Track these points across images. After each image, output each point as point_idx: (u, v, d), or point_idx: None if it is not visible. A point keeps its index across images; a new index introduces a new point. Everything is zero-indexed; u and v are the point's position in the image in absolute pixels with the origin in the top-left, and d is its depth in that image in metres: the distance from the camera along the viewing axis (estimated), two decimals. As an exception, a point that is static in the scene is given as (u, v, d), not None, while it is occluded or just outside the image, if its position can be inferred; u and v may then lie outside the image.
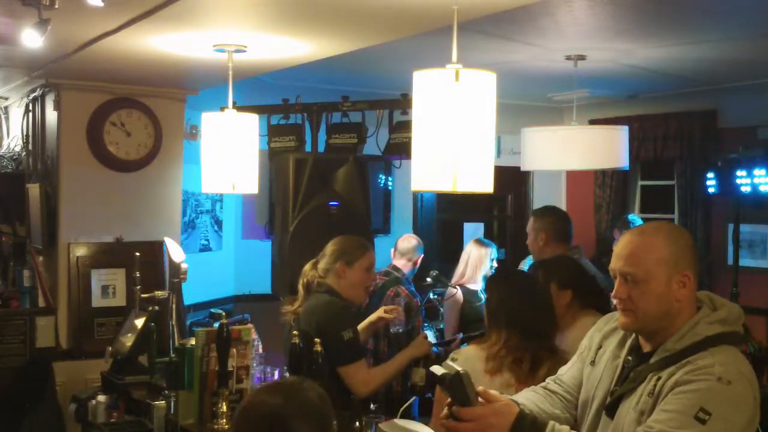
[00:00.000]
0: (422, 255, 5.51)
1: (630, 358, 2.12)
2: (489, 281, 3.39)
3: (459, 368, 2.02)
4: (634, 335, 2.14)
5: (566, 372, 2.35)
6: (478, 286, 5.45)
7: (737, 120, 6.52)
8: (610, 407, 2.08)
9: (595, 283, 3.45)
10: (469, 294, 5.39)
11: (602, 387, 2.15)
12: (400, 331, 4.11)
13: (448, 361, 2.11)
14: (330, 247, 3.62)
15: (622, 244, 2.08)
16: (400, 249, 5.45)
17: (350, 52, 3.67)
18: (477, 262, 5.50)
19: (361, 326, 3.67)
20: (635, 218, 6.36)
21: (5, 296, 4.89)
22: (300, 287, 3.64)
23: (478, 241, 5.72)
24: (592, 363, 2.22)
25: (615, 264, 2.07)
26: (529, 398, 2.30)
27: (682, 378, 1.91)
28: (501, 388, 2.76)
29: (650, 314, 2.02)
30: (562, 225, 4.37)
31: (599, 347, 2.22)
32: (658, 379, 1.97)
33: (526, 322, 2.86)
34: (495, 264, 5.62)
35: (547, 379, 2.38)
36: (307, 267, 3.66)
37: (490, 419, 2.00)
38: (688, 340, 1.99)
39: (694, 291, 2.05)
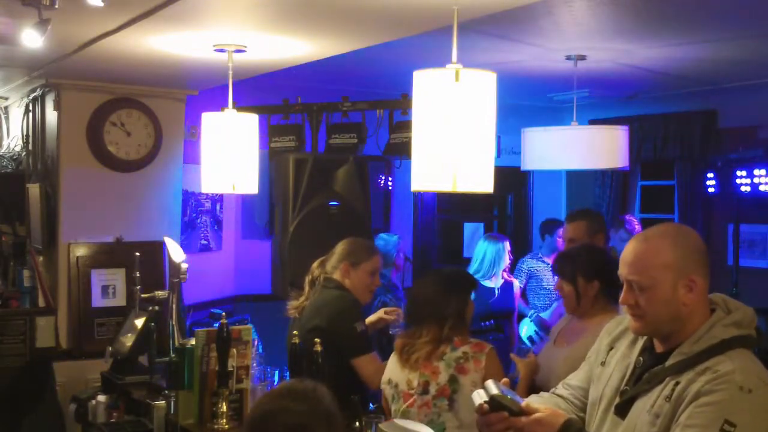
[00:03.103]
0: (399, 252, 5.49)
1: (641, 358, 2.11)
2: (455, 278, 3.33)
3: (495, 390, 2.10)
4: (647, 337, 2.14)
5: (574, 377, 2.37)
6: (493, 282, 5.45)
7: (737, 120, 6.51)
8: (621, 407, 2.08)
9: None
10: (483, 291, 5.40)
11: (611, 386, 2.15)
12: (397, 332, 4.12)
13: (488, 383, 2.16)
14: (339, 247, 3.66)
15: (627, 250, 2.08)
16: None
17: (350, 52, 3.67)
18: (495, 257, 5.49)
19: None
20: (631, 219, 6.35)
21: (5, 296, 4.88)
22: (306, 284, 3.67)
23: (492, 237, 5.72)
24: (603, 364, 2.23)
25: (621, 270, 2.07)
26: (537, 402, 2.31)
27: (704, 388, 1.89)
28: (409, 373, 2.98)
29: (659, 319, 2.02)
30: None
31: (610, 348, 2.23)
32: (676, 384, 1.95)
33: (467, 319, 3.11)
34: (511, 257, 5.63)
35: (559, 384, 2.40)
36: (315, 264, 3.71)
37: (535, 428, 2.06)
38: (704, 343, 1.98)
39: (703, 294, 2.03)
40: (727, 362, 1.93)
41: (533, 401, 2.31)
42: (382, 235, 5.76)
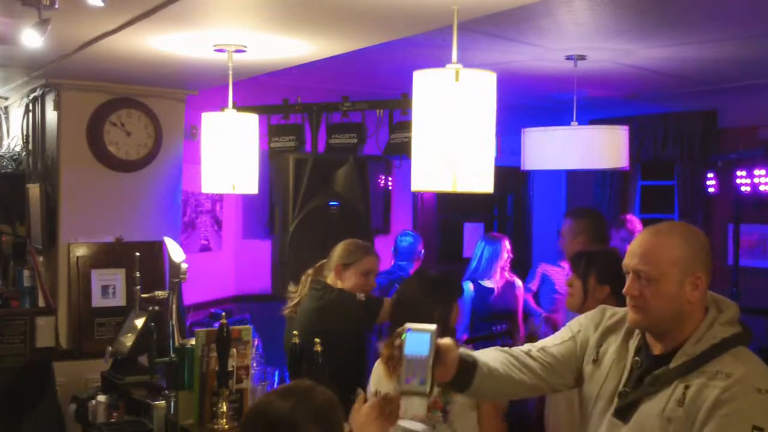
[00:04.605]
0: (422, 249, 5.63)
1: (638, 359, 2.10)
2: (441, 284, 3.21)
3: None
4: (638, 335, 2.12)
5: (553, 346, 2.27)
6: (492, 282, 5.46)
7: (737, 120, 6.52)
8: (622, 410, 2.06)
9: None
10: (482, 291, 5.40)
11: (608, 387, 2.13)
12: None
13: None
14: (335, 250, 3.67)
15: (637, 242, 2.08)
16: (402, 251, 5.56)
17: (350, 52, 3.67)
18: (492, 256, 5.50)
19: None
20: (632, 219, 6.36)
21: (5, 296, 4.88)
22: (301, 283, 3.69)
23: (491, 236, 5.74)
24: (595, 362, 2.19)
25: (629, 261, 2.06)
26: (495, 357, 2.22)
27: (723, 396, 1.88)
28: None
29: (661, 314, 2.02)
30: (601, 226, 4.35)
31: (600, 344, 2.20)
32: (686, 387, 1.95)
33: (451, 326, 3.00)
34: (510, 256, 5.63)
35: (528, 346, 2.30)
36: (313, 266, 3.71)
37: None
38: (706, 343, 1.98)
39: (706, 293, 2.04)
40: (737, 364, 1.93)
41: (494, 355, 2.22)
42: (408, 232, 5.86)
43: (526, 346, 2.29)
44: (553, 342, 2.29)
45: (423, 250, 5.79)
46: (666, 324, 2.04)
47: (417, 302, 3.02)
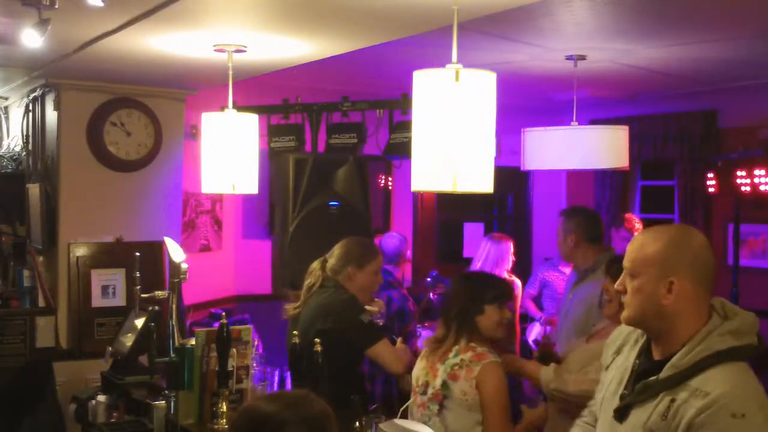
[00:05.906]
0: (409, 251, 5.54)
1: (638, 361, 2.11)
2: (468, 281, 3.26)
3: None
4: (645, 339, 2.14)
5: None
6: None
7: (737, 120, 6.51)
8: (620, 412, 2.08)
9: None
10: None
11: (610, 389, 2.15)
12: (381, 324, 4.14)
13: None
14: (338, 249, 3.63)
15: (633, 239, 2.15)
16: (387, 254, 5.46)
17: (350, 52, 3.67)
18: (497, 257, 5.46)
19: None
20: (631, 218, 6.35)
21: (5, 296, 4.89)
22: (304, 287, 3.65)
23: (495, 237, 5.69)
24: (608, 368, 2.25)
25: (624, 258, 2.13)
26: None
27: (697, 420, 1.86)
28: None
29: (640, 312, 2.05)
30: (592, 225, 4.32)
31: (618, 353, 2.25)
32: (672, 401, 1.94)
33: (480, 326, 3.05)
34: (514, 258, 5.58)
35: (585, 413, 2.45)
36: (315, 265, 3.67)
37: None
38: (697, 355, 1.95)
39: (687, 299, 2.00)
40: (719, 382, 1.89)
41: None
42: (393, 234, 5.79)
43: (585, 418, 2.44)
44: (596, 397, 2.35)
45: (410, 252, 5.71)
46: (648, 324, 2.06)
47: (445, 299, 3.17)
